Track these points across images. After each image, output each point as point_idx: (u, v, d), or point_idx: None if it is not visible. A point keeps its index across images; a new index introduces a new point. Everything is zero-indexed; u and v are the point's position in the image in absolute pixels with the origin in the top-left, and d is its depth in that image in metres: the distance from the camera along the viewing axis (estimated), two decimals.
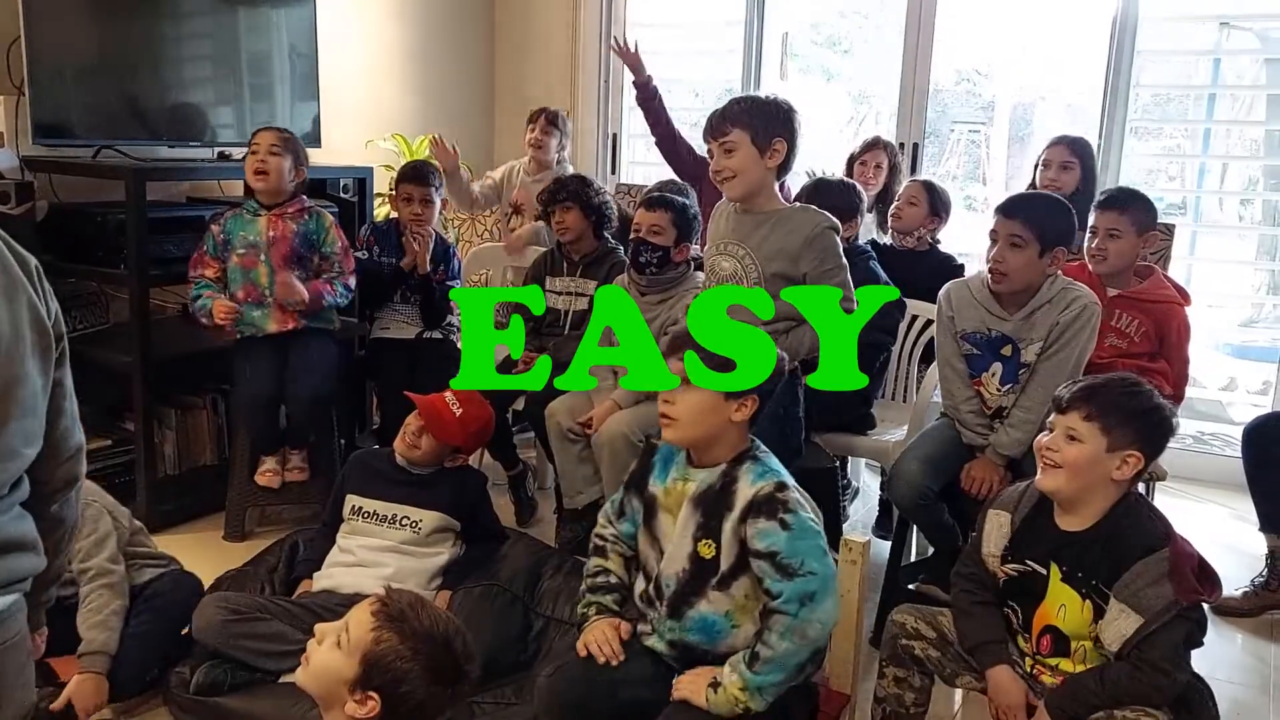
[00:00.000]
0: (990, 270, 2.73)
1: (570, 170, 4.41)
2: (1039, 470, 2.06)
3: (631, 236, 3.26)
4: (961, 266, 3.52)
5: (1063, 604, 2.02)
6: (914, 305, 3.53)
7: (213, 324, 3.33)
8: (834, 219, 2.66)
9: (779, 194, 2.71)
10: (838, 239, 2.65)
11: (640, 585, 2.14)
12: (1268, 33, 4.86)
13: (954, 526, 2.84)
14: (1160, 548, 1.92)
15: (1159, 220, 3.39)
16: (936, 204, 3.68)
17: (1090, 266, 3.12)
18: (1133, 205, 3.07)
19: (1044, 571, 2.04)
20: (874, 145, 4.16)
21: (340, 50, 4.66)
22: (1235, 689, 2.84)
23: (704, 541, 2.00)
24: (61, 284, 3.59)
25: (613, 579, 2.17)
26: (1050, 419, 2.07)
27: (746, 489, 1.97)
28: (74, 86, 3.46)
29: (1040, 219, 2.67)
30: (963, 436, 2.82)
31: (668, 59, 5.63)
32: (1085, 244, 3.15)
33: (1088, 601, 1.98)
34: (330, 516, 2.80)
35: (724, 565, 1.98)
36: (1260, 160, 5.00)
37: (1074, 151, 3.67)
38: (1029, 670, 2.09)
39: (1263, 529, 3.22)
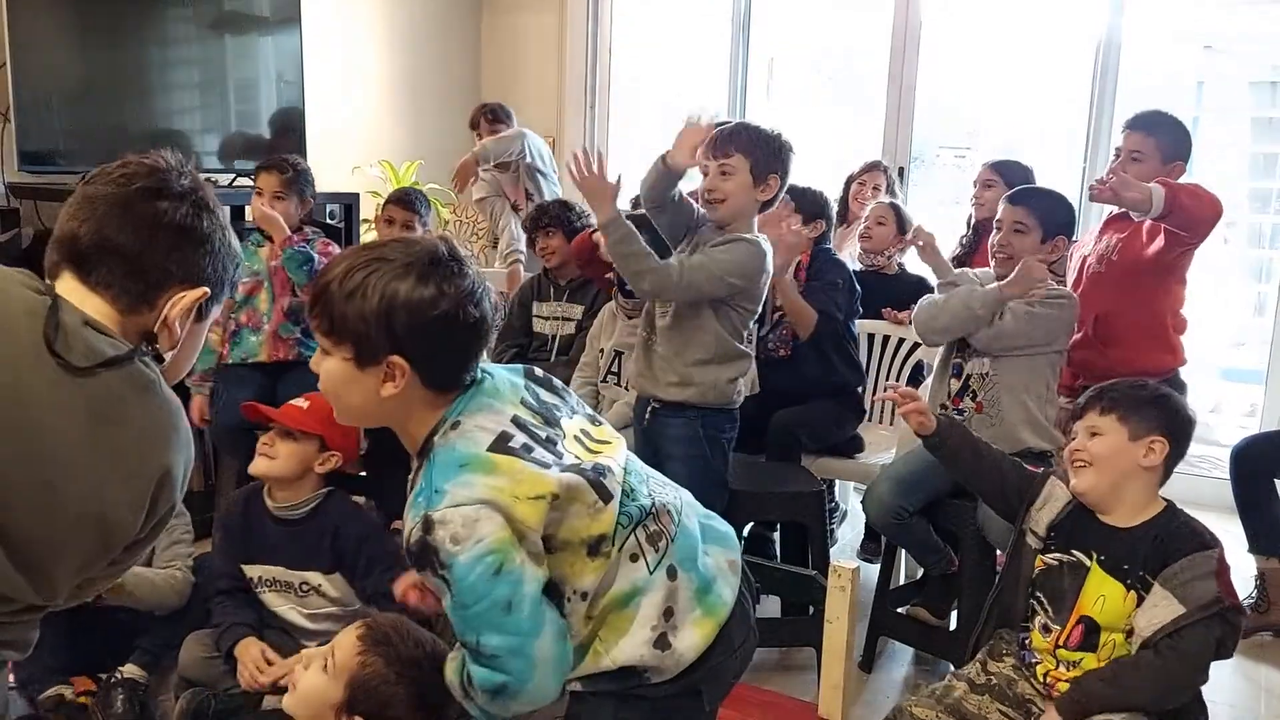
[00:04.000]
0: (994, 254, 2.81)
1: (527, 158, 4.51)
2: (1071, 476, 2.11)
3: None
4: (933, 289, 3.50)
5: (1102, 595, 2.02)
6: (893, 328, 3.54)
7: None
8: (764, 245, 2.65)
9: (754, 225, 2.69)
10: (750, 252, 2.60)
11: None
12: (1250, 56, 4.90)
13: (944, 547, 2.83)
14: (1212, 547, 1.98)
15: None
16: (904, 224, 3.72)
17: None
18: (1161, 130, 3.02)
19: (1087, 562, 2.06)
20: (873, 168, 4.20)
21: (327, 77, 4.67)
22: (1226, 711, 2.83)
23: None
24: None
25: None
26: (1071, 429, 2.16)
27: (407, 520, 1.43)
28: (60, 113, 3.46)
29: (1044, 209, 2.77)
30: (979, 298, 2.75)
31: (653, 83, 5.67)
32: (1108, 167, 3.11)
33: (1132, 592, 1.99)
34: (235, 579, 2.47)
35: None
36: (1245, 183, 5.03)
37: (996, 171, 3.67)
38: (1041, 677, 2.07)
39: (1251, 550, 3.21)
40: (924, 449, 2.92)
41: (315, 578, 2.42)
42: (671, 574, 1.55)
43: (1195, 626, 1.91)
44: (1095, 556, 2.05)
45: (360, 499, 2.58)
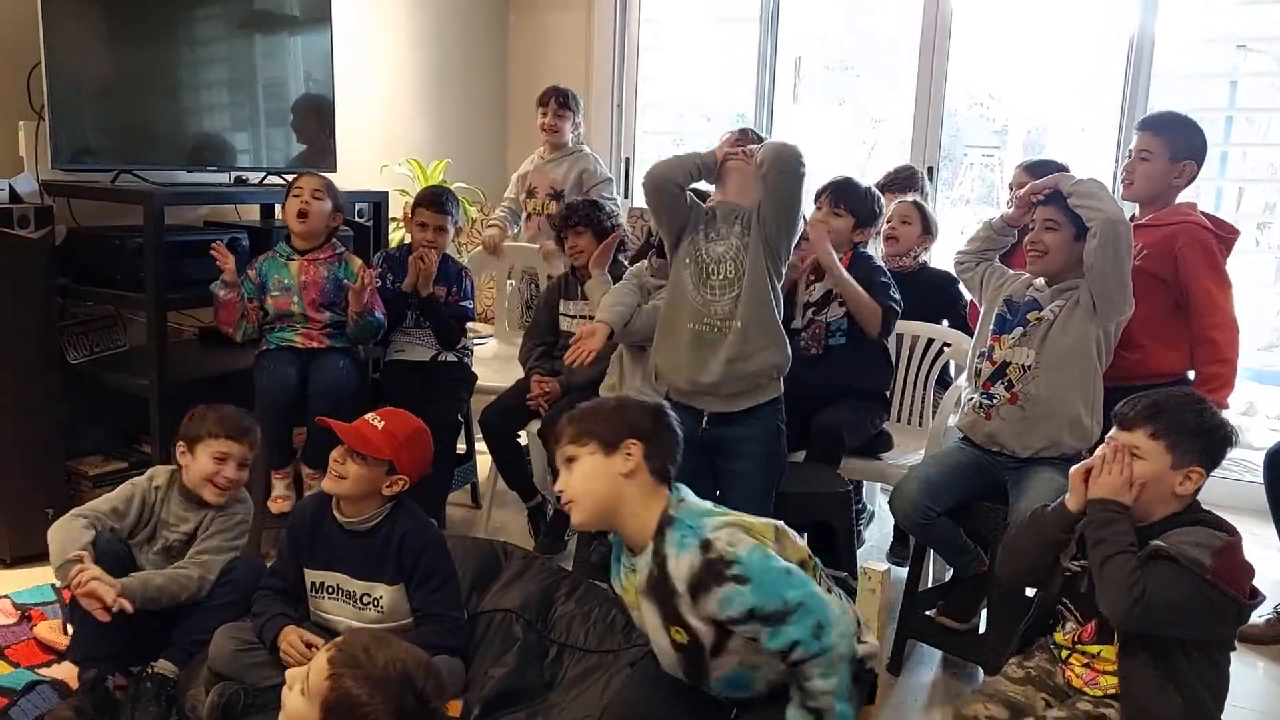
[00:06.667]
0: (1028, 251, 2.79)
1: (588, 150, 4.43)
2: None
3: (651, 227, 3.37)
4: (959, 283, 3.48)
5: None
6: (922, 328, 3.52)
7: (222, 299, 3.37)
8: None
9: None
10: None
11: None
12: None
13: (974, 549, 2.82)
14: (1222, 530, 1.97)
15: None
16: (929, 224, 3.72)
17: (1122, 192, 3.15)
18: (1168, 129, 3.04)
19: None
20: (907, 184, 4.11)
21: (356, 76, 4.69)
22: (1256, 717, 2.80)
23: (674, 629, 1.98)
24: (79, 307, 3.62)
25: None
26: (1110, 433, 2.10)
27: (678, 568, 1.91)
28: (93, 112, 3.48)
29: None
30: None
31: (680, 83, 5.66)
32: (1121, 167, 3.15)
33: None
34: (288, 580, 2.57)
35: (707, 643, 1.95)
36: (1277, 183, 4.97)
37: (1030, 173, 3.64)
38: (1064, 659, 2.08)
39: None
40: (950, 450, 2.93)
41: (379, 589, 2.49)
42: (834, 591, 2.02)
43: (1177, 567, 1.88)
44: None
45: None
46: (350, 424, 2.50)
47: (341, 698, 1.54)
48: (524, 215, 4.51)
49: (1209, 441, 2.04)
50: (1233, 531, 1.99)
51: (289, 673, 1.64)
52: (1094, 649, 2.06)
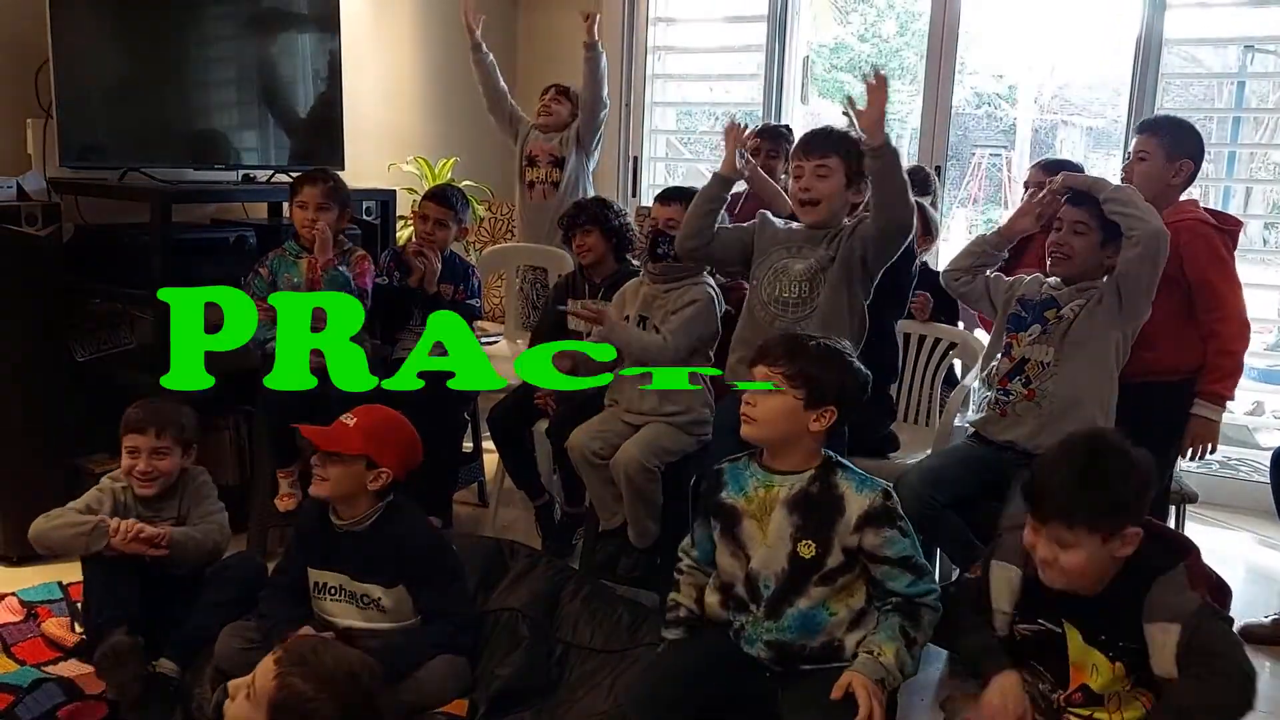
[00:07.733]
0: (1051, 253, 2.78)
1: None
2: (1045, 576, 1.95)
3: (648, 229, 3.35)
4: None
5: (1093, 664, 1.95)
6: (928, 327, 3.52)
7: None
8: None
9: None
10: None
11: (717, 596, 2.24)
12: None
13: (980, 546, 2.80)
14: (1172, 566, 1.89)
15: None
16: (930, 225, 3.71)
17: None
18: (1163, 130, 3.07)
19: (1058, 630, 1.98)
20: (920, 186, 4.11)
21: (364, 74, 4.70)
22: (1262, 717, 2.79)
23: (804, 542, 2.11)
24: (87, 305, 3.62)
25: (681, 612, 2.30)
26: (1027, 531, 1.95)
27: (856, 498, 2.10)
28: (101, 110, 3.49)
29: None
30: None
31: (689, 82, 5.66)
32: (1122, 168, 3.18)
33: (1119, 663, 1.92)
34: (294, 579, 2.59)
35: (829, 564, 2.10)
36: None
37: (1046, 172, 3.65)
38: (1055, 709, 2.01)
39: None
40: (958, 446, 2.92)
41: (376, 591, 2.49)
42: None
43: (1204, 628, 1.82)
44: (1068, 627, 1.97)
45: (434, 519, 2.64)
46: (320, 429, 2.49)
47: (288, 696, 1.55)
48: (526, 183, 4.51)
49: (1139, 501, 1.90)
50: (1181, 552, 1.95)
51: (231, 683, 1.65)
52: (1085, 711, 1.98)
